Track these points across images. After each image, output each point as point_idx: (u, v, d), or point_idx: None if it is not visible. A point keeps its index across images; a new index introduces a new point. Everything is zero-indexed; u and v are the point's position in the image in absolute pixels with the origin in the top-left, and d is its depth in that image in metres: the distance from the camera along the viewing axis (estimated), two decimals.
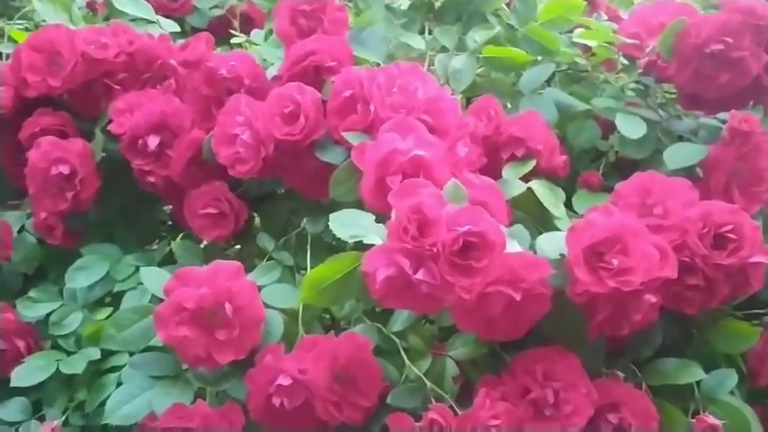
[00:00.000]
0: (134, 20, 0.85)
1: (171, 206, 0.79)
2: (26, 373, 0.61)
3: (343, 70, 0.62)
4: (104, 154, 0.71)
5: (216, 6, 0.98)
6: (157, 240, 0.83)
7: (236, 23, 0.98)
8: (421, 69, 0.62)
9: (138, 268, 0.71)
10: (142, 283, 0.68)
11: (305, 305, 0.58)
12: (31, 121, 0.73)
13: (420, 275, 0.45)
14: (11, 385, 0.61)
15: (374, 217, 0.53)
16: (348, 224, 0.52)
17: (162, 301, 0.57)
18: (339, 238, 0.65)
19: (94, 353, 0.65)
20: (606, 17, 0.89)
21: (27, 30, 1.07)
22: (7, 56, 0.83)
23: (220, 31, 1.01)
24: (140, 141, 0.69)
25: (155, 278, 0.57)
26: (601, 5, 0.88)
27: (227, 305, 0.51)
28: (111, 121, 0.71)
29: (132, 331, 0.54)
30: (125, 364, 0.64)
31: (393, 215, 0.48)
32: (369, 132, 0.59)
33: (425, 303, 0.48)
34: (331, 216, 0.53)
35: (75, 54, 0.71)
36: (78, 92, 0.74)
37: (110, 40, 0.73)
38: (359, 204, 0.56)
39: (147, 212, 0.81)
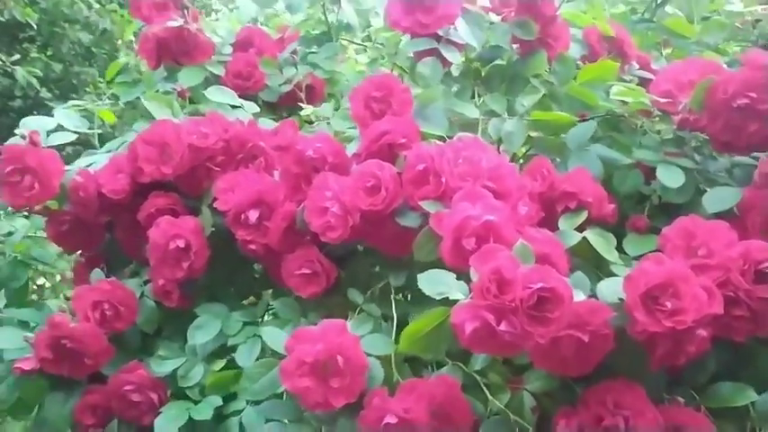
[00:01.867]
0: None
1: (264, 267, 0.90)
2: (166, 422, 0.73)
3: (414, 146, 0.73)
4: (213, 228, 0.83)
5: (285, 83, 1.10)
6: (250, 296, 0.95)
7: (301, 95, 1.10)
8: (481, 141, 0.72)
9: (244, 324, 0.82)
10: (251, 337, 0.80)
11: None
12: (148, 204, 0.86)
13: (503, 327, 0.54)
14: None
15: (455, 275, 0.63)
16: (434, 282, 0.61)
17: (274, 354, 0.68)
18: (418, 290, 0.76)
19: (217, 400, 0.76)
20: (637, 66, 0.97)
21: (112, 109, 1.22)
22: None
23: (288, 102, 1.14)
24: (242, 216, 0.81)
25: (273, 336, 0.68)
26: (631, 56, 0.96)
27: (339, 357, 0.61)
28: (215, 200, 0.83)
29: (262, 383, 0.64)
30: (243, 409, 0.75)
31: (475, 276, 0.58)
32: (441, 200, 0.70)
33: (507, 349, 0.58)
34: (419, 276, 0.62)
35: (182, 145, 0.84)
36: (184, 175, 0.86)
37: (208, 130, 0.86)
38: (438, 263, 0.66)
39: (243, 273, 0.93)
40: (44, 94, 3.25)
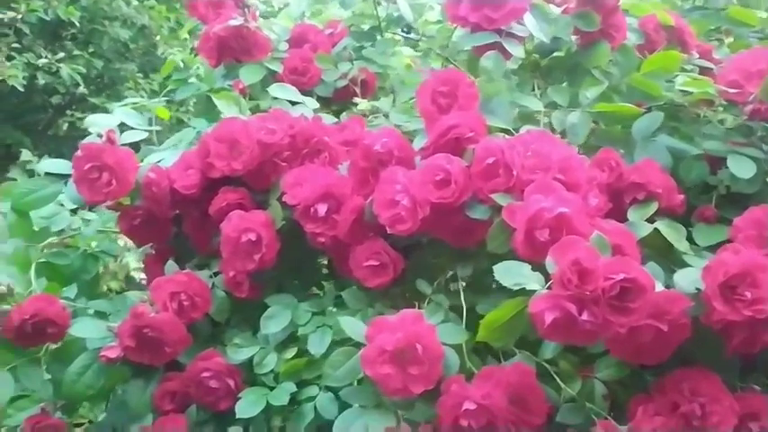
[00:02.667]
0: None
1: (330, 258, 0.93)
2: (247, 407, 0.76)
3: (482, 140, 0.74)
4: (284, 222, 0.86)
5: (340, 78, 1.12)
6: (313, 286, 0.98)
7: (356, 90, 1.12)
8: (549, 134, 0.73)
9: (313, 314, 0.85)
10: (321, 326, 0.83)
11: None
12: (219, 198, 0.89)
13: (584, 317, 0.56)
14: (237, 416, 0.76)
15: (530, 266, 0.64)
16: (511, 274, 0.63)
17: (343, 342, 0.71)
18: (482, 280, 0.78)
19: (291, 387, 0.79)
20: (697, 55, 0.97)
21: (168, 106, 1.26)
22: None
23: (342, 97, 1.16)
24: (311, 209, 0.83)
25: (351, 325, 0.70)
26: (692, 45, 0.96)
27: (418, 345, 0.64)
28: (284, 194, 0.86)
29: (343, 370, 0.67)
30: (316, 395, 0.78)
31: (553, 267, 0.59)
32: (511, 192, 0.71)
33: (585, 338, 0.59)
34: (495, 267, 0.64)
35: (251, 141, 0.87)
36: (253, 171, 0.89)
37: (275, 126, 0.89)
38: (507, 255, 0.67)
39: (309, 264, 0.96)
40: (81, 90, 3.34)
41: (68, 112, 4.22)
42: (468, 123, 0.76)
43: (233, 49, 1.09)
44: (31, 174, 3.05)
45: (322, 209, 0.83)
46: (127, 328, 0.80)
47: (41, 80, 3.18)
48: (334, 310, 0.86)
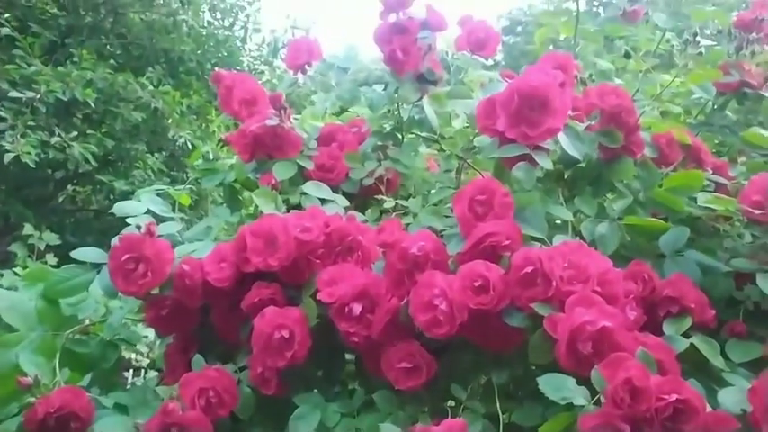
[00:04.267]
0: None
1: (358, 358, 0.93)
2: None
3: (519, 249, 0.77)
4: (318, 320, 0.86)
5: (366, 176, 1.17)
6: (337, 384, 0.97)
7: (382, 188, 1.16)
8: (585, 246, 0.76)
9: (342, 415, 0.84)
10: (350, 430, 0.81)
11: None
12: (252, 293, 0.90)
13: None
14: None
15: (574, 380, 0.65)
16: (556, 387, 0.64)
17: None
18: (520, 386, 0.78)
19: None
20: (711, 171, 1.02)
21: (191, 194, 1.30)
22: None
23: (367, 194, 1.20)
24: (346, 308, 0.84)
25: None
26: (707, 162, 1.01)
27: None
28: (317, 291, 0.87)
29: None
30: None
31: (601, 383, 0.60)
32: (550, 302, 0.73)
33: None
34: (540, 380, 0.65)
35: (288, 238, 0.89)
36: (286, 266, 0.91)
37: (311, 224, 0.91)
38: (554, 366, 0.68)
39: (336, 362, 0.95)
40: (86, 166, 3.41)
41: (69, 186, 4.27)
42: (505, 232, 0.79)
43: (267, 146, 1.14)
44: (32, 248, 3.04)
45: (357, 308, 0.84)
46: (155, 424, 0.78)
47: (52, 156, 3.24)
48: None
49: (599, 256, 0.75)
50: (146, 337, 1.35)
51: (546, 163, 0.90)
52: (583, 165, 0.99)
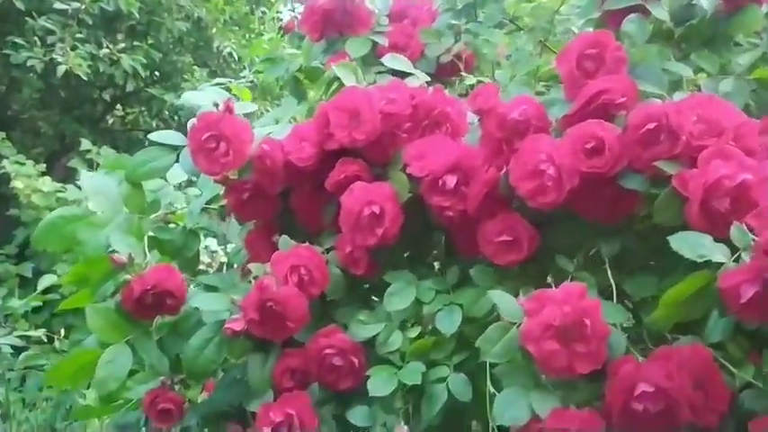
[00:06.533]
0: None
1: (450, 235, 0.88)
2: (379, 384, 0.72)
3: (640, 106, 0.69)
4: (410, 194, 0.82)
5: (444, 53, 1.08)
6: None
7: (460, 65, 1.08)
8: (717, 98, 0.68)
9: (437, 291, 0.81)
10: (447, 305, 0.78)
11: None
12: (337, 170, 0.85)
13: None
14: (370, 394, 0.72)
15: (711, 237, 0.59)
16: (693, 245, 0.58)
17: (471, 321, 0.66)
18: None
19: (421, 366, 0.75)
20: None
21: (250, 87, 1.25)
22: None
23: (443, 74, 1.12)
24: (440, 181, 0.79)
25: (503, 299, 0.66)
26: None
27: (587, 321, 0.59)
28: (406, 166, 0.82)
29: (500, 345, 0.62)
30: (447, 376, 0.74)
31: (744, 238, 0.54)
32: (677, 160, 0.66)
33: None
34: (672, 238, 0.59)
35: (373, 111, 0.83)
36: (371, 143, 0.86)
37: (396, 96, 0.85)
38: (683, 227, 0.62)
39: (425, 242, 0.91)
40: (131, 86, 3.39)
41: (119, 106, 4.30)
42: (619, 88, 0.71)
43: (337, 23, 1.06)
44: (91, 163, 3.11)
45: (451, 181, 0.78)
46: (252, 301, 0.77)
47: (102, 70, 3.23)
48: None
49: (732, 108, 0.67)
50: (206, 247, 1.35)
51: (661, 14, 0.80)
52: (695, 22, 0.88)
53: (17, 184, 2.59)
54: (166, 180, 1.01)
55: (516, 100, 0.77)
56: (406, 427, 0.72)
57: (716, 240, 0.59)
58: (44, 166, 2.86)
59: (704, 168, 0.61)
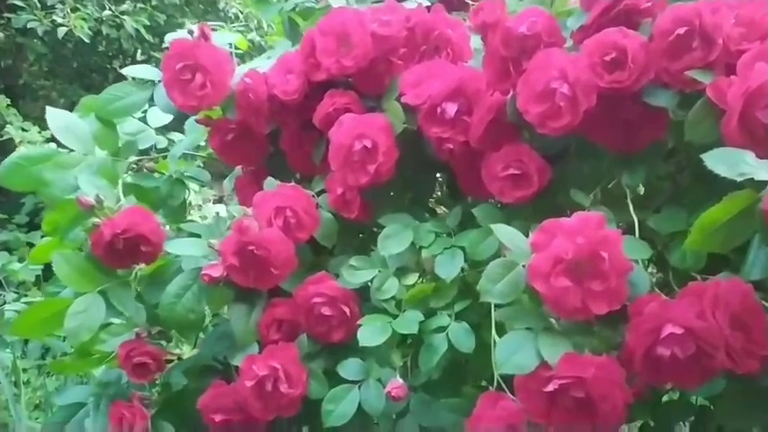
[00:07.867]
0: None
1: (451, 172, 0.80)
2: (371, 335, 0.65)
3: (670, 8, 0.59)
4: (405, 125, 0.73)
5: None
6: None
7: None
8: None
9: (437, 234, 0.73)
10: (449, 248, 0.70)
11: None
12: (326, 102, 0.77)
13: None
14: (360, 345, 0.65)
15: (753, 154, 0.50)
16: (730, 163, 0.49)
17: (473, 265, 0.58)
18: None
19: (418, 315, 0.68)
20: None
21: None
22: None
23: (450, 7, 1.02)
24: (438, 109, 0.70)
25: (507, 233, 0.58)
26: None
27: (605, 254, 0.50)
28: (401, 95, 0.73)
29: (503, 284, 0.54)
30: (448, 325, 0.67)
31: None
32: (712, 69, 0.56)
33: None
34: (706, 156, 0.50)
35: (365, 33, 0.74)
36: (363, 70, 0.77)
37: (390, 17, 0.76)
38: (718, 143, 0.53)
39: (423, 182, 0.83)
40: (140, 54, 3.30)
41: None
42: None
43: None
44: None
45: (451, 108, 0.70)
46: (231, 244, 0.70)
47: (106, 33, 3.14)
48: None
49: None
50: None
51: None
52: None
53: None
54: (147, 124, 0.94)
55: (524, 12, 0.68)
56: (401, 381, 0.65)
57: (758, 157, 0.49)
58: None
59: (745, 74, 0.51)
